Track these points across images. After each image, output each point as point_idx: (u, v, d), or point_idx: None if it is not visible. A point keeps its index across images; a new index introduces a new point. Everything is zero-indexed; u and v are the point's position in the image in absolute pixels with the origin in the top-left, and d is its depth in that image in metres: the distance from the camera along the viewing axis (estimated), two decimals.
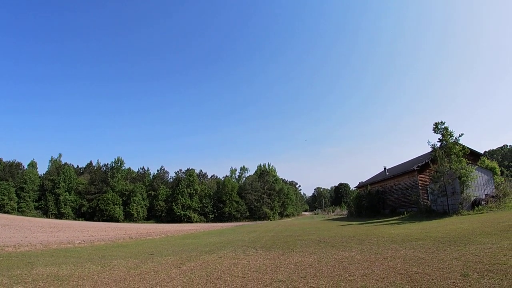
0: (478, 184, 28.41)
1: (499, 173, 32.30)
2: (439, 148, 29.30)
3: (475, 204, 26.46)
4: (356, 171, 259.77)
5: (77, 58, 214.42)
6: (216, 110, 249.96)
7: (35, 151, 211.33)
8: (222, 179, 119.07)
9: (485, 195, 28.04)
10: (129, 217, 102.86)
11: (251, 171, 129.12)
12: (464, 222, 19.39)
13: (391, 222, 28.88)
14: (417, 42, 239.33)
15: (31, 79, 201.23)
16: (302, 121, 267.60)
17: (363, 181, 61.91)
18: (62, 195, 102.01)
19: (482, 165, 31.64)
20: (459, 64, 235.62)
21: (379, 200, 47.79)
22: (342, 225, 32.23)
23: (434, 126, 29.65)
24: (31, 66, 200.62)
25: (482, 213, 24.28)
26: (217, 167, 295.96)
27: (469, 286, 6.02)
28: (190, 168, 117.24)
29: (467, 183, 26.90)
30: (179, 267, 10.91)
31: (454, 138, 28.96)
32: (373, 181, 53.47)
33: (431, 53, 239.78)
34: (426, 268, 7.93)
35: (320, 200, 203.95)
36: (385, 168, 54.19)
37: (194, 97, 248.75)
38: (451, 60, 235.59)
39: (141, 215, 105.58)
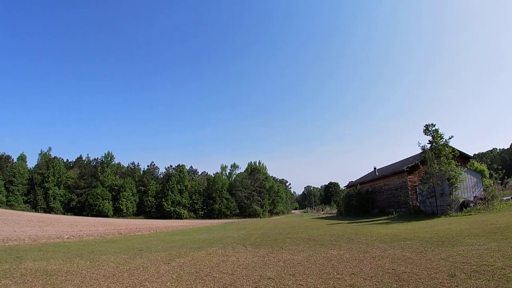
0: (467, 186, 28.63)
1: (488, 175, 32.55)
2: (429, 149, 29.45)
3: (464, 206, 26.65)
4: (346, 170, 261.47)
5: (67, 53, 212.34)
6: (207, 107, 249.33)
7: (24, 145, 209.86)
8: (213, 176, 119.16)
9: (474, 197, 28.26)
10: (118, 213, 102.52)
11: (242, 168, 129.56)
12: (452, 223, 19.55)
13: (380, 221, 29.06)
14: (409, 44, 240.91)
15: (21, 74, 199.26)
16: (293, 120, 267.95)
17: (353, 180, 62.18)
18: (51, 189, 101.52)
19: (471, 168, 31.88)
20: (450, 67, 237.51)
21: (369, 199, 48.04)
22: (332, 223, 32.36)
23: (424, 128, 29.84)
24: (20, 61, 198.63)
25: (470, 215, 24.45)
26: (207, 164, 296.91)
27: (456, 286, 6.08)
28: (181, 164, 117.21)
29: (456, 185, 27.09)
30: (168, 263, 10.92)
31: (444, 140, 29.13)
32: (362, 181, 53.72)
33: (423, 55, 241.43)
34: (414, 267, 7.99)
35: (310, 199, 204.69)
36: (375, 168, 54.39)
37: (185, 94, 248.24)
38: (443, 63, 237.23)
39: (131, 210, 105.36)
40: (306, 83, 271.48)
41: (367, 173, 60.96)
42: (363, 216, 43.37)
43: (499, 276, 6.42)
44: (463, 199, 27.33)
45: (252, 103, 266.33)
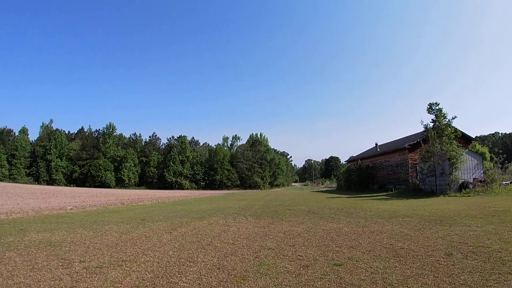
0: (467, 167, 28.61)
1: (488, 158, 32.50)
2: (432, 128, 29.28)
3: (463, 187, 26.67)
4: (347, 145, 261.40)
5: (69, 26, 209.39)
6: (210, 79, 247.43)
7: (26, 118, 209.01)
8: (214, 147, 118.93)
9: (473, 179, 28.28)
10: (120, 183, 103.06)
11: (243, 140, 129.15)
12: (450, 203, 19.63)
13: (379, 197, 29.26)
14: (418, 24, 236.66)
15: (20, 48, 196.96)
16: (296, 94, 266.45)
17: (354, 155, 62.08)
18: (54, 161, 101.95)
19: (472, 150, 31.74)
20: (458, 49, 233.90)
21: (369, 175, 48.24)
22: (331, 197, 32.62)
23: (428, 106, 29.61)
24: (19, 35, 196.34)
25: (469, 196, 24.48)
26: (209, 135, 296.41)
27: (453, 265, 6.16)
28: (182, 135, 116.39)
29: (456, 166, 27.07)
30: (170, 232, 11.07)
31: (447, 120, 28.92)
32: (363, 156, 53.79)
33: (430, 34, 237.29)
34: (411, 244, 8.12)
35: (311, 172, 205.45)
36: (376, 144, 54.33)
37: (188, 66, 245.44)
38: (450, 45, 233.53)
39: (133, 181, 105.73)
40: (310, 59, 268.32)
41: (368, 148, 60.99)
42: (362, 191, 43.64)
43: (495, 259, 6.49)
44: (463, 180, 27.35)
45: (255, 76, 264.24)
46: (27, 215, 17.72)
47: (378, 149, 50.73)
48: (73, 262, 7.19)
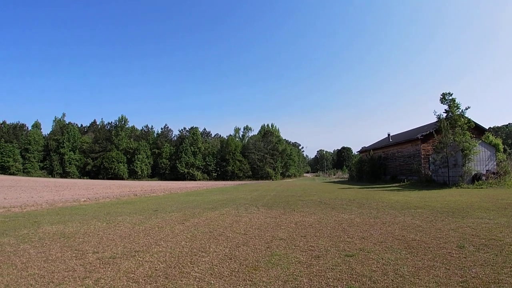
0: (480, 159, 28.30)
1: (502, 150, 32.13)
2: (445, 119, 28.90)
3: (476, 178, 26.39)
4: (360, 136, 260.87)
5: (81, 19, 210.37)
6: (221, 71, 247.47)
7: (38, 112, 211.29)
8: (226, 138, 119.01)
9: (486, 170, 27.98)
10: (133, 175, 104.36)
11: (255, 131, 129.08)
12: (463, 195, 19.47)
13: (391, 188, 29.10)
14: (435, 13, 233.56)
15: (32, 42, 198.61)
16: (307, 85, 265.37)
17: (366, 146, 61.79)
18: (67, 154, 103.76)
19: (486, 141, 31.37)
20: (476, 39, 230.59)
21: (381, 166, 47.89)
22: (343, 188, 32.54)
23: (441, 97, 29.25)
24: (30, 29, 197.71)
25: (481, 188, 24.26)
26: (220, 127, 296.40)
27: (464, 258, 6.11)
28: (194, 127, 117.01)
29: (469, 157, 26.76)
30: (183, 223, 11.16)
31: (460, 110, 28.52)
32: (376, 147, 53.43)
33: (446, 27, 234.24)
34: (423, 236, 8.08)
35: (322, 163, 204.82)
36: (389, 135, 53.97)
37: (199, 58, 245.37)
38: (467, 34, 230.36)
39: (145, 172, 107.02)
40: (321, 49, 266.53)
41: (380, 139, 60.64)
42: (374, 182, 43.43)
43: (507, 252, 6.43)
44: (476, 172, 27.07)
45: (267, 67, 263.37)
46: (41, 207, 17.87)
47: (391, 140, 50.36)
48: (87, 253, 7.28)
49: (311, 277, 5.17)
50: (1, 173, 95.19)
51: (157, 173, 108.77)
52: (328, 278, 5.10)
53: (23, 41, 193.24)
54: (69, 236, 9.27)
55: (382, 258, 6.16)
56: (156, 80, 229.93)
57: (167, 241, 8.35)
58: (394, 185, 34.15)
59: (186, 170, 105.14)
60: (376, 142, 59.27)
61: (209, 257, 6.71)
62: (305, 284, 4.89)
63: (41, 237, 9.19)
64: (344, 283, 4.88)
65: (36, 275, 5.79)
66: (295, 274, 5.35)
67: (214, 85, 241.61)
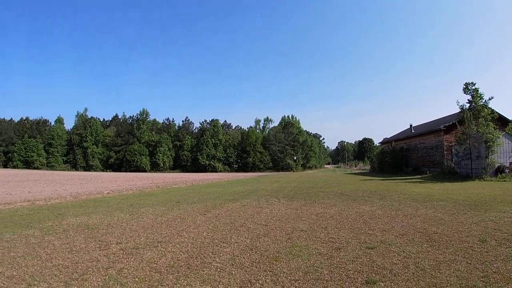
0: (504, 151, 27.76)
1: None
2: (468, 109, 28.42)
3: (499, 171, 25.91)
4: (381, 126, 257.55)
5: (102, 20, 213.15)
6: (240, 61, 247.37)
7: (61, 108, 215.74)
8: (246, 130, 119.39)
9: (510, 163, 27.47)
10: (155, 167, 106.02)
11: (275, 122, 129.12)
12: (486, 187, 19.17)
13: (413, 180, 28.81)
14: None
15: (51, 40, 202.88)
16: (328, 73, 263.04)
17: (388, 137, 61.17)
18: (90, 148, 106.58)
19: (509, 132, 30.78)
20: (499, 31, 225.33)
21: (403, 157, 47.35)
22: (364, 179, 32.37)
23: (464, 87, 28.77)
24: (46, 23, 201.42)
25: (505, 181, 23.82)
26: (241, 119, 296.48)
27: (486, 252, 6.05)
28: (215, 119, 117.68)
29: (492, 149, 26.26)
30: (205, 214, 11.26)
31: (483, 100, 27.99)
32: (397, 138, 52.93)
33: (472, 15, 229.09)
34: (445, 229, 8.01)
35: (343, 154, 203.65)
36: (411, 126, 53.30)
37: (219, 48, 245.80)
38: (492, 23, 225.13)
39: (167, 165, 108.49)
40: (339, 34, 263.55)
41: (402, 130, 59.93)
42: (396, 173, 43.07)
43: None
44: (499, 164, 26.57)
45: (285, 56, 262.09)
46: (65, 200, 18.14)
47: (413, 131, 49.76)
48: (110, 244, 7.42)
49: (332, 269, 5.21)
50: (26, 168, 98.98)
51: (178, 165, 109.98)
52: (349, 270, 5.13)
53: (40, 38, 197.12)
54: (93, 227, 9.44)
55: (403, 251, 6.15)
56: (176, 73, 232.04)
57: (189, 232, 8.45)
58: (416, 177, 33.84)
59: (207, 162, 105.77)
60: (398, 133, 58.66)
61: (230, 247, 6.79)
62: (326, 275, 4.93)
63: (65, 228, 9.37)
64: (365, 275, 4.90)
65: (60, 266, 5.94)
66: (315, 266, 5.39)
67: (234, 75, 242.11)
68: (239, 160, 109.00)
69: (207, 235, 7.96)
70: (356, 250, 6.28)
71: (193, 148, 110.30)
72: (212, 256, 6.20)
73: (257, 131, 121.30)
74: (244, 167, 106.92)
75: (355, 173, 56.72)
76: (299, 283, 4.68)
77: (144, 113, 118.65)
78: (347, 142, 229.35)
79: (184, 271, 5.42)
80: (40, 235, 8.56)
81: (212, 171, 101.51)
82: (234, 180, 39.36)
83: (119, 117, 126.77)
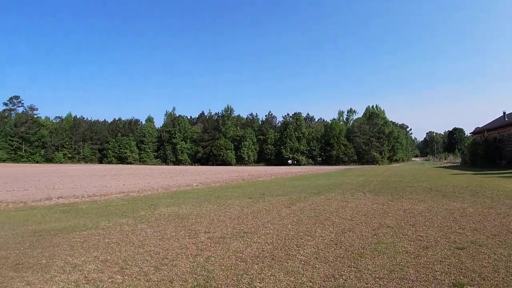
0: None
1: None
2: None
3: None
4: (473, 115, 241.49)
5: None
6: (322, 52, 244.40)
7: (151, 108, 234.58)
8: (329, 122, 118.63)
9: None
10: (240, 161, 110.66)
11: (359, 113, 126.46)
12: None
13: (507, 175, 27.04)
14: None
15: (139, 45, 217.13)
16: (415, 58, 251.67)
17: (480, 126, 57.47)
18: (179, 144, 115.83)
19: None
20: None
21: (496, 149, 43.96)
22: (455, 173, 30.96)
23: None
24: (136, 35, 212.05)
25: None
26: (323, 111, 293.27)
27: None
28: (297, 112, 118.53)
29: None
30: (289, 207, 11.47)
31: None
32: (490, 127, 48.95)
33: None
34: None
35: (432, 146, 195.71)
36: (504, 113, 48.78)
37: (303, 40, 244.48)
38: None
39: (252, 158, 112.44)
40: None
41: (495, 118, 55.84)
42: (489, 167, 40.43)
43: None
44: None
45: (373, 42, 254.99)
46: (157, 192, 19.29)
47: (506, 119, 45.82)
48: (199, 233, 7.84)
49: (418, 269, 5.13)
50: (120, 163, 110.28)
51: (263, 159, 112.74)
52: (436, 271, 5.02)
53: (136, 47, 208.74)
54: (182, 217, 10.01)
55: (494, 253, 5.87)
56: (256, 66, 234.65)
57: (274, 224, 8.69)
58: (510, 171, 31.76)
59: (290, 155, 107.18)
60: (491, 122, 54.27)
61: (314, 241, 6.89)
62: (412, 275, 4.87)
63: (157, 218, 10.02)
64: (452, 277, 4.78)
65: (152, 252, 6.39)
66: (401, 264, 5.34)
67: (315, 66, 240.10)
68: (322, 153, 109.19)
69: (292, 228, 8.13)
70: (445, 250, 6.10)
71: (277, 142, 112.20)
72: (297, 249, 6.34)
73: (341, 123, 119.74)
74: (327, 160, 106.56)
75: (445, 167, 54.28)
76: (383, 281, 4.67)
77: (228, 110, 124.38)
78: (436, 133, 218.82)
79: (268, 261, 5.62)
80: (133, 223, 9.23)
81: (295, 165, 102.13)
82: (318, 174, 39.39)
83: (205, 114, 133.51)
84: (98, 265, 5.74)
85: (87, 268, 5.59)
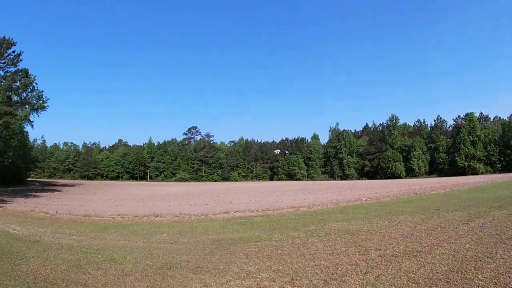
0: None
1: None
2: None
3: None
4: None
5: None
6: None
7: (316, 126, 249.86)
8: (507, 120, 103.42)
9: None
10: (410, 173, 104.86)
11: None
12: None
13: None
14: None
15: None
16: None
17: None
18: (345, 159, 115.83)
19: None
20: None
21: None
22: None
23: None
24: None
25: None
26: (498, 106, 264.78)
27: None
28: (469, 112, 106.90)
29: None
30: (467, 223, 10.79)
31: None
32: None
33: None
34: None
35: None
36: None
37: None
38: None
39: (423, 169, 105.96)
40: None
41: None
42: None
43: None
44: None
45: None
46: (326, 207, 19.82)
47: None
48: (369, 249, 7.96)
49: None
50: (289, 179, 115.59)
51: (435, 169, 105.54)
52: None
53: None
54: (352, 232, 10.22)
55: None
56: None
57: (450, 242, 8.30)
58: None
59: (466, 163, 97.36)
60: None
61: (495, 264, 6.43)
62: None
63: (327, 232, 10.39)
64: None
65: (322, 266, 6.74)
66: None
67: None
68: (502, 158, 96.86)
69: (470, 248, 7.67)
70: None
71: (449, 149, 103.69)
72: (474, 272, 6.01)
73: None
74: (508, 167, 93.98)
75: None
76: None
77: (393, 119, 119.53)
78: None
79: (443, 285, 5.49)
80: (304, 237, 9.75)
81: (471, 174, 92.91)
82: (498, 183, 36.26)
83: (369, 126, 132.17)
84: (270, 274, 6.30)
85: (260, 276, 6.19)
